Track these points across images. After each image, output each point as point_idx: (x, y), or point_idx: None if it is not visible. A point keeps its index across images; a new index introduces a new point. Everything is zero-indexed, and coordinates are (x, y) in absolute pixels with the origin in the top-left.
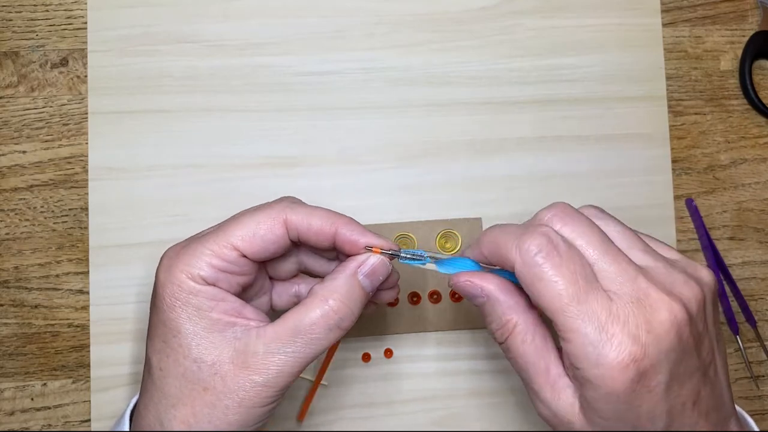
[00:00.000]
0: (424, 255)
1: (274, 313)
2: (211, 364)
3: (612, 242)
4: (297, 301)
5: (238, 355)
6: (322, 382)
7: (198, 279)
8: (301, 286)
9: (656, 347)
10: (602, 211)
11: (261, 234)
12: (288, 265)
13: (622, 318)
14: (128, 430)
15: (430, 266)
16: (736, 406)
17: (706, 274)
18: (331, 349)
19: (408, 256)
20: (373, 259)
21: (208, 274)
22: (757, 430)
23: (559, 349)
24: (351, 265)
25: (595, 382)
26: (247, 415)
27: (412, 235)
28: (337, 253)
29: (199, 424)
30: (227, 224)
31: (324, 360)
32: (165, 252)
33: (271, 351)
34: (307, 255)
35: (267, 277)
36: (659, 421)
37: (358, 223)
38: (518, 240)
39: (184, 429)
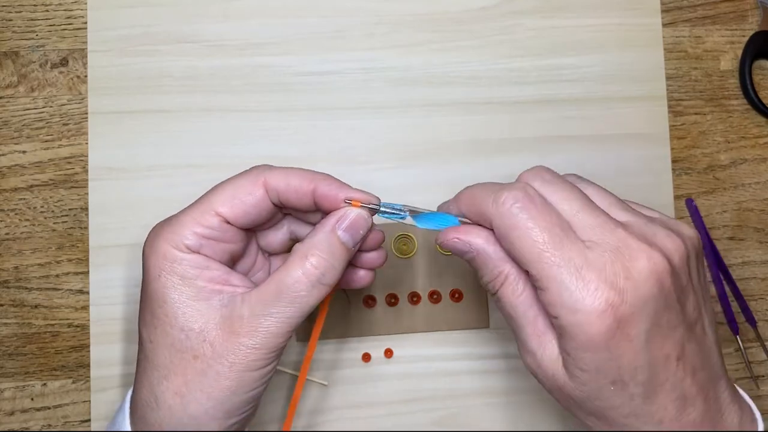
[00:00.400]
0: (403, 209)
1: None
2: (198, 332)
3: (591, 200)
4: None
5: (224, 321)
6: (322, 382)
7: (182, 247)
8: None
9: (635, 294)
10: (582, 177)
11: (241, 197)
12: (279, 236)
13: (599, 265)
14: (128, 422)
15: (409, 220)
16: (740, 390)
17: (688, 229)
18: (318, 323)
19: (388, 210)
20: (352, 213)
21: (191, 242)
22: (758, 414)
23: None
24: (330, 220)
25: (572, 330)
26: (239, 379)
27: (412, 235)
28: (322, 217)
29: (191, 393)
30: (208, 193)
31: (312, 334)
32: (152, 228)
33: (256, 314)
34: (296, 224)
35: (260, 252)
36: (641, 373)
37: (337, 179)
38: (495, 194)
39: (176, 400)
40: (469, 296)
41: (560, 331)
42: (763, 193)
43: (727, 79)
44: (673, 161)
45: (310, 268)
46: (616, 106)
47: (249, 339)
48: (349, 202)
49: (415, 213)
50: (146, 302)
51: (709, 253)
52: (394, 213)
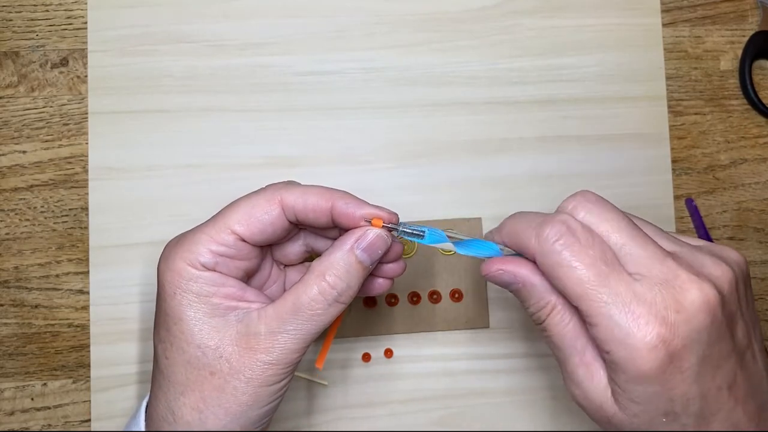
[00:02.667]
0: (424, 231)
1: None
2: (215, 348)
3: (640, 229)
4: None
5: (240, 337)
6: (322, 382)
7: (197, 265)
8: None
9: (686, 327)
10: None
11: (257, 216)
12: (295, 248)
13: (648, 299)
14: (143, 429)
15: (448, 246)
16: None
17: (734, 254)
18: (336, 320)
19: (408, 231)
20: (372, 233)
21: (207, 260)
22: None
23: None
24: (349, 239)
25: (624, 365)
26: (257, 394)
27: None
28: (339, 232)
29: (209, 408)
30: (224, 210)
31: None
32: (166, 243)
33: (272, 330)
34: (312, 237)
35: (275, 265)
36: (693, 405)
37: (355, 196)
38: (537, 229)
39: (194, 415)
40: (469, 296)
41: (612, 365)
42: (763, 193)
43: (727, 79)
44: (673, 161)
45: (326, 287)
46: (615, 106)
47: (266, 355)
48: (369, 221)
49: (454, 239)
50: (161, 318)
51: None
52: (414, 234)
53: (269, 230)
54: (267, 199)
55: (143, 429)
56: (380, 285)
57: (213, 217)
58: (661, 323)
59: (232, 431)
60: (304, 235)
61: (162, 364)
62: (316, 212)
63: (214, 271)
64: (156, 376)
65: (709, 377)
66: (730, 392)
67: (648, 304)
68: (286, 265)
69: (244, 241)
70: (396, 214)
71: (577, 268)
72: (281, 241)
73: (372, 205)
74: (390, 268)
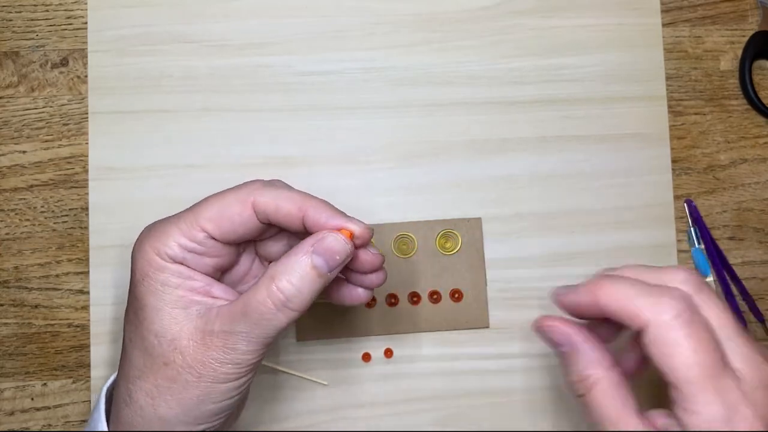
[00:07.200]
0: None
1: None
2: (170, 340)
3: (740, 325)
4: None
5: (197, 332)
6: (322, 382)
7: (165, 256)
8: None
9: None
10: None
11: (228, 216)
12: (278, 246)
13: (753, 400)
14: (103, 408)
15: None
16: None
17: None
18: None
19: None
20: (330, 238)
21: (175, 253)
22: None
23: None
24: (305, 245)
25: None
26: (209, 389)
27: (412, 235)
28: None
29: (161, 396)
30: (197, 205)
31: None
32: (143, 228)
33: (224, 330)
34: (295, 237)
35: (258, 260)
36: None
37: (330, 205)
38: (655, 298)
39: (147, 401)
40: (469, 296)
41: None
42: (763, 193)
43: (727, 79)
44: (673, 161)
45: (275, 291)
46: (616, 106)
47: (217, 353)
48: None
49: None
50: (130, 302)
51: (713, 252)
52: None
53: (240, 230)
54: (240, 199)
55: (103, 408)
56: (358, 295)
57: (187, 209)
58: (764, 426)
59: (192, 431)
60: (288, 235)
61: (126, 345)
62: (287, 218)
63: (182, 264)
64: (122, 355)
65: None
66: None
67: (753, 405)
68: (270, 262)
69: (214, 239)
70: (371, 229)
71: (696, 352)
72: (260, 239)
73: (345, 216)
74: (368, 278)
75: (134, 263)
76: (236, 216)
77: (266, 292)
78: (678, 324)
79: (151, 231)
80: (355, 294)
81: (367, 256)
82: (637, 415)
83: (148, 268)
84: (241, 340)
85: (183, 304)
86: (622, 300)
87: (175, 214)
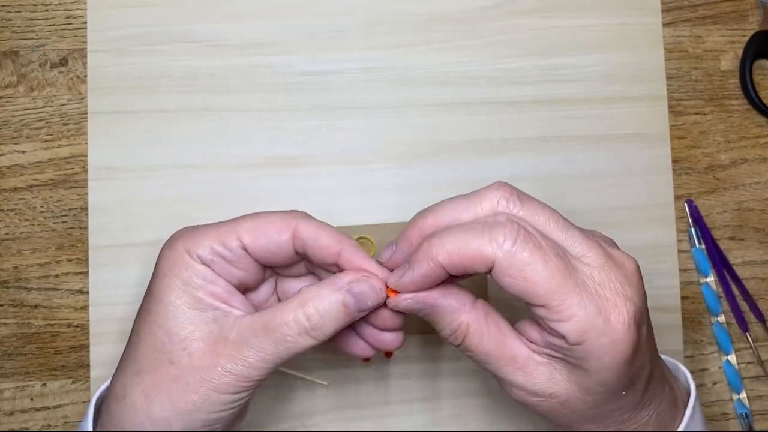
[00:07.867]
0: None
1: None
2: (181, 339)
3: (561, 215)
4: None
5: (210, 337)
6: (322, 382)
7: (194, 256)
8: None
9: (639, 297)
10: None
11: (267, 232)
12: (299, 285)
13: (607, 282)
14: (92, 412)
15: None
16: (671, 360)
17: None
18: None
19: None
20: (369, 282)
21: (204, 254)
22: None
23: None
24: (341, 279)
25: (601, 351)
26: (207, 396)
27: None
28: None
29: (158, 395)
30: (240, 217)
31: None
32: (178, 229)
33: (240, 341)
34: (316, 280)
35: (276, 294)
36: (646, 369)
37: (362, 250)
38: (489, 235)
39: (142, 400)
40: None
41: (582, 355)
42: (763, 193)
43: (727, 79)
44: (673, 161)
45: (302, 317)
46: (616, 106)
47: (226, 362)
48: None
49: None
50: (147, 296)
51: (713, 252)
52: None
53: (274, 250)
54: (283, 220)
55: (92, 411)
56: (363, 348)
57: (228, 219)
58: (625, 300)
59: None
60: (311, 278)
61: (132, 338)
62: (323, 251)
63: (209, 267)
64: (125, 350)
65: (652, 339)
66: (655, 349)
67: (608, 286)
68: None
69: (246, 250)
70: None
71: (548, 264)
72: (285, 272)
73: (377, 265)
74: (385, 337)
75: (161, 259)
76: (274, 234)
77: (293, 315)
78: (520, 247)
79: (186, 230)
80: (361, 346)
81: (387, 313)
82: (517, 337)
83: (173, 264)
84: (253, 354)
85: (201, 306)
86: (462, 249)
87: (214, 222)
